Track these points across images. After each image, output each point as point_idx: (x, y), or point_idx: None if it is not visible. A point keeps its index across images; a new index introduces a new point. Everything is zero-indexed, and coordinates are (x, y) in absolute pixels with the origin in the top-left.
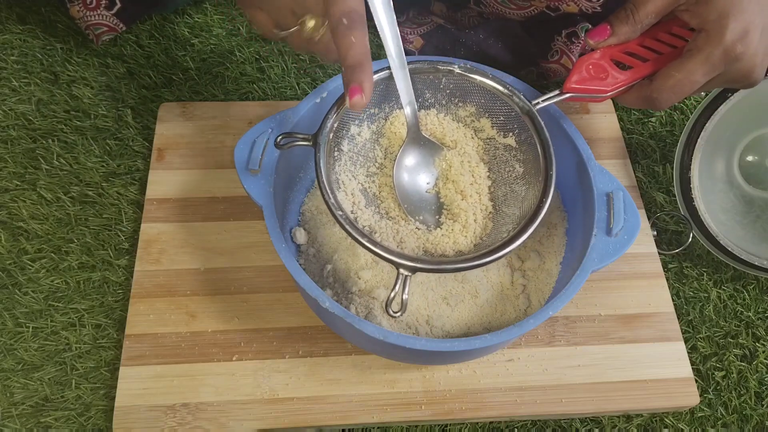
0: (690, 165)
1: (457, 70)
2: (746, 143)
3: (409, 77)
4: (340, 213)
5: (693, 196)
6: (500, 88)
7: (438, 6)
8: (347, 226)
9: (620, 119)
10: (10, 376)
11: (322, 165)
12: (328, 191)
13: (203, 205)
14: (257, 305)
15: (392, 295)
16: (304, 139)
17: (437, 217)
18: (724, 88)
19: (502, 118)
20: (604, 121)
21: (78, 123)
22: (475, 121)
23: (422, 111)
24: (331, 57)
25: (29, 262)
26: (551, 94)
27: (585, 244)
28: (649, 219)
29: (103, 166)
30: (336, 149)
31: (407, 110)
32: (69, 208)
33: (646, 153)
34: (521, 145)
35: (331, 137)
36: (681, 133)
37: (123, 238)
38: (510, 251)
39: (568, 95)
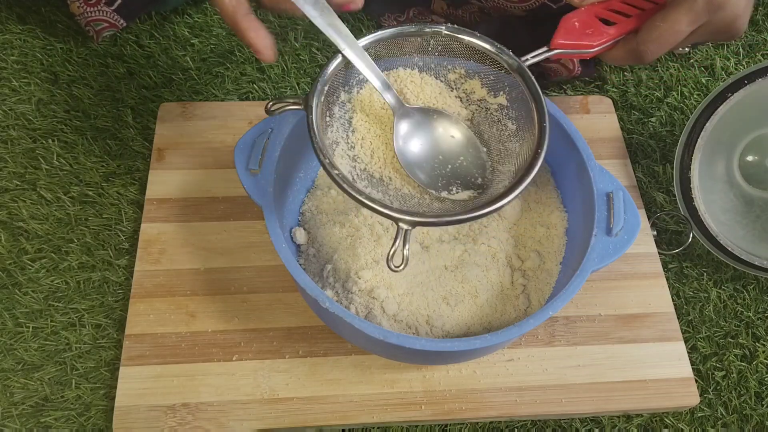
0: (690, 165)
1: (445, 31)
2: (746, 143)
3: (369, 59)
4: (337, 172)
5: (693, 196)
6: (488, 46)
7: (439, 4)
8: (344, 185)
9: (620, 119)
10: (10, 376)
11: (315, 127)
12: (322, 153)
13: (203, 205)
14: (257, 305)
15: (393, 249)
16: (295, 103)
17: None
18: (710, 41)
19: (491, 78)
20: (604, 121)
21: (78, 123)
22: (464, 83)
23: (404, 70)
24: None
25: (29, 262)
26: (539, 51)
27: (585, 244)
28: (649, 219)
29: (103, 166)
30: (328, 114)
31: (386, 97)
32: (69, 208)
33: (646, 153)
34: (513, 102)
35: (322, 100)
36: (681, 133)
37: (123, 238)
38: (509, 201)
39: (555, 51)
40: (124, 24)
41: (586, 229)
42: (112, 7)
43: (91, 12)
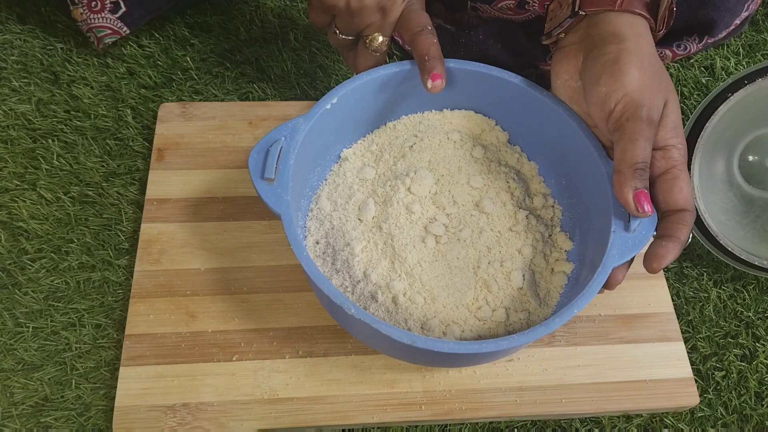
0: (690, 165)
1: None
2: (746, 143)
3: None
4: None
5: (693, 196)
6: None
7: (437, 6)
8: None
9: None
10: (10, 376)
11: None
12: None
13: (203, 205)
14: (257, 305)
15: None
16: None
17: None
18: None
19: None
20: None
21: (78, 123)
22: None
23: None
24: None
25: (29, 262)
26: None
27: (602, 242)
28: None
29: (103, 166)
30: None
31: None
32: (69, 208)
33: None
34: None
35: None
36: None
37: (123, 238)
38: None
39: None
40: (128, 31)
41: (601, 227)
42: (116, 15)
43: (94, 18)
